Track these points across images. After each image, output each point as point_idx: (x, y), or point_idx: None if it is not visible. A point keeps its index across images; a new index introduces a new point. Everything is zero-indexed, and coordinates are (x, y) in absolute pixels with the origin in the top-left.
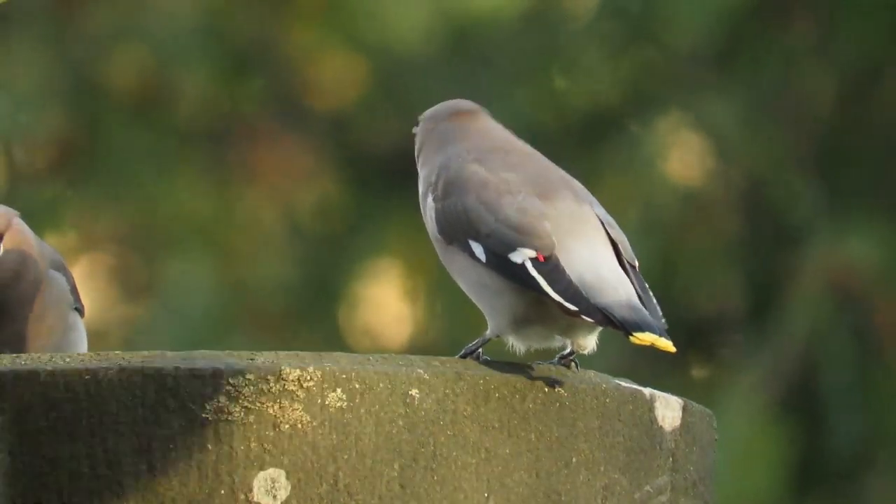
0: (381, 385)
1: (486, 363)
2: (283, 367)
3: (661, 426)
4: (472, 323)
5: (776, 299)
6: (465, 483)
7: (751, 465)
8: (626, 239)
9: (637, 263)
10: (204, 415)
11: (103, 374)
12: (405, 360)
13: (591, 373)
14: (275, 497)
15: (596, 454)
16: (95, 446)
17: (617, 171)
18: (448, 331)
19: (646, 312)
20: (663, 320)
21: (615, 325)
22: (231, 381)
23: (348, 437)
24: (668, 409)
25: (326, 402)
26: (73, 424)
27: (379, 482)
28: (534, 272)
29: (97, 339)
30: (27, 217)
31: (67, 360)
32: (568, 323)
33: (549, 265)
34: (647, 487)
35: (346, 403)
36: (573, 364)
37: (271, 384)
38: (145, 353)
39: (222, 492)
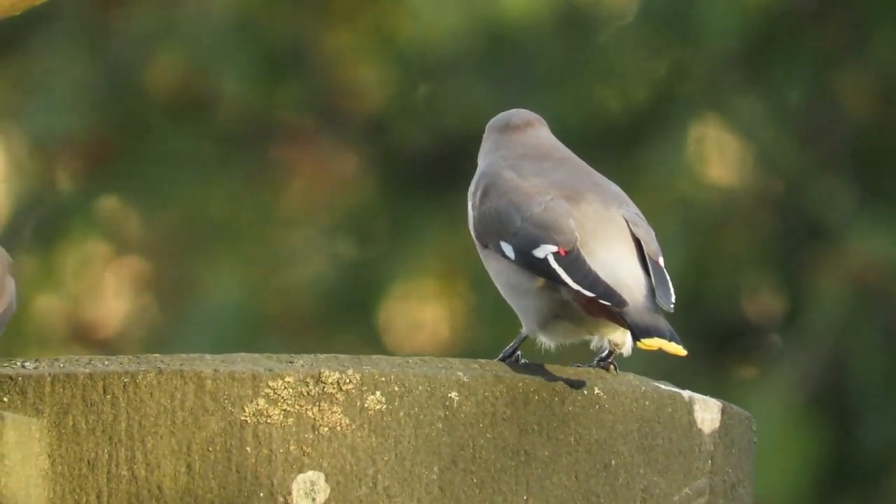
0: (420, 388)
1: (526, 366)
2: (322, 370)
3: (699, 429)
4: (511, 325)
5: (810, 299)
6: (504, 486)
7: (782, 465)
8: (652, 234)
9: (661, 259)
10: (243, 417)
11: (142, 376)
12: (444, 363)
13: (630, 375)
14: (314, 500)
15: (635, 457)
16: (134, 448)
17: (653, 173)
18: (487, 333)
19: (660, 316)
20: (672, 306)
21: (626, 325)
22: (270, 383)
23: (387, 440)
24: (707, 412)
25: (366, 405)
26: (112, 427)
27: (418, 485)
28: (555, 265)
29: (135, 341)
30: (64, 219)
31: (106, 362)
32: (594, 322)
33: (570, 258)
34: (686, 490)
35: (385, 406)
36: (612, 367)
37: (310, 387)
38: (184, 355)
39: (261, 494)
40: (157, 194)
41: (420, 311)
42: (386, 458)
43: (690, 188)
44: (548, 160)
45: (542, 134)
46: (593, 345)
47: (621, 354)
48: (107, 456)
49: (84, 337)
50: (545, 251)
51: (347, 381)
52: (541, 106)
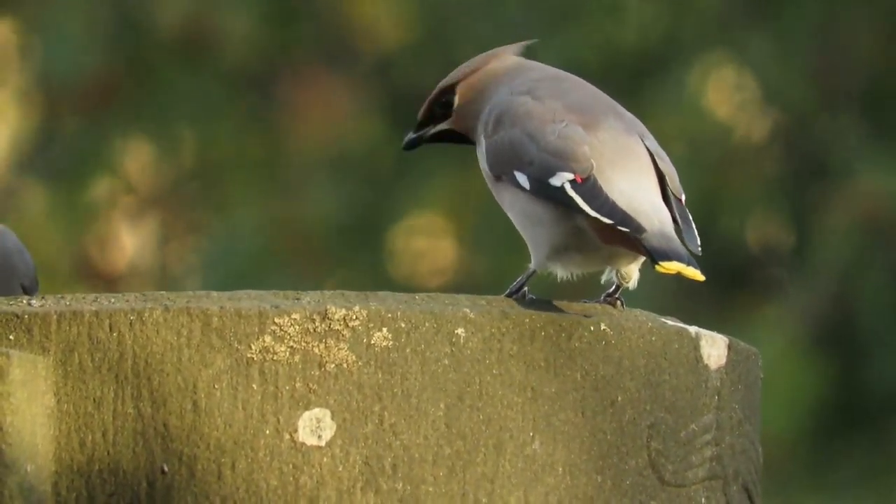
0: (426, 324)
1: (533, 302)
2: (328, 307)
3: (706, 364)
4: (518, 261)
5: (817, 236)
6: (511, 422)
7: (787, 401)
8: (674, 171)
9: (684, 196)
10: (249, 355)
11: (148, 313)
12: (451, 300)
13: (638, 311)
14: (320, 437)
15: (642, 393)
16: (140, 386)
17: (660, 109)
18: (493, 269)
19: (677, 241)
20: (700, 249)
21: (644, 250)
22: (276, 320)
23: (394, 377)
24: (714, 348)
25: (372, 342)
26: (118, 364)
27: (424, 422)
28: (571, 192)
29: (144, 279)
30: (72, 159)
31: (112, 300)
32: (609, 252)
33: (587, 185)
34: (693, 426)
35: (391, 343)
36: (619, 302)
37: (317, 324)
38: (190, 293)
39: (267, 432)
40: (165, 134)
41: (428, 247)
42: (392, 395)
43: (697, 124)
44: (566, 80)
45: (536, 63)
46: (604, 278)
47: (628, 288)
48: (112, 394)
49: (93, 276)
50: (561, 179)
51: (354, 317)
52: (550, 43)
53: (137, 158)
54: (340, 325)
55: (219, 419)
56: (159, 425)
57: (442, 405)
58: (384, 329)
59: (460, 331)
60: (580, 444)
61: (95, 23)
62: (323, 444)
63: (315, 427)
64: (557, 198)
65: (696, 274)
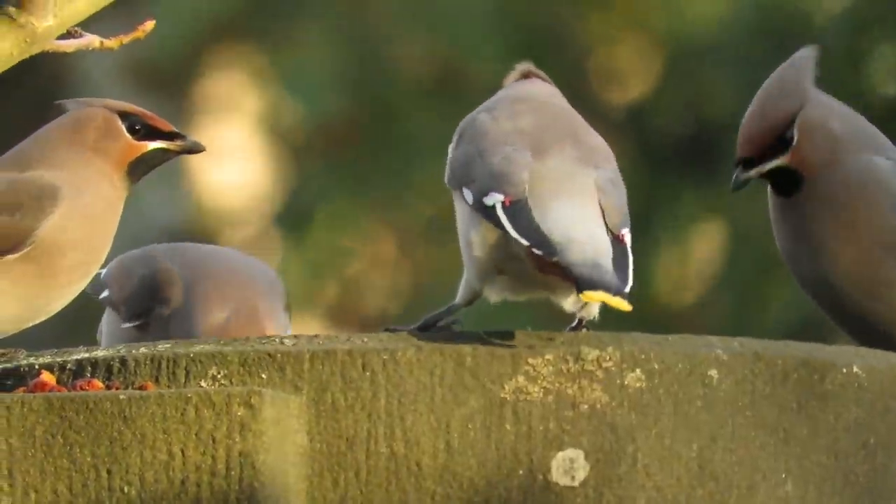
0: (679, 366)
1: (785, 344)
2: (582, 348)
3: None
4: (765, 302)
5: None
6: (763, 464)
7: None
8: (622, 203)
9: (627, 230)
10: (502, 395)
11: (401, 353)
12: (703, 341)
13: (890, 354)
14: (573, 478)
15: (893, 435)
16: (393, 426)
17: None
18: (742, 311)
19: (607, 271)
20: (627, 287)
21: (570, 276)
22: (530, 361)
23: (647, 418)
24: None
25: (625, 383)
26: (371, 403)
27: (677, 463)
28: (500, 213)
29: (393, 321)
30: (315, 205)
31: (365, 339)
32: (544, 280)
33: (515, 208)
34: None
35: (644, 384)
36: (584, 329)
37: (570, 364)
38: (442, 332)
39: (520, 472)
40: (411, 179)
41: (679, 290)
42: (645, 436)
43: None
44: (525, 102)
45: (536, 84)
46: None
47: (592, 321)
48: (365, 433)
49: (343, 319)
50: (493, 199)
51: (607, 358)
52: None
53: (382, 206)
54: (594, 366)
55: (472, 459)
56: (412, 465)
57: (695, 446)
58: (637, 370)
59: (713, 372)
60: (832, 487)
61: (340, 65)
62: (576, 484)
63: (568, 468)
64: (489, 216)
65: (621, 303)
